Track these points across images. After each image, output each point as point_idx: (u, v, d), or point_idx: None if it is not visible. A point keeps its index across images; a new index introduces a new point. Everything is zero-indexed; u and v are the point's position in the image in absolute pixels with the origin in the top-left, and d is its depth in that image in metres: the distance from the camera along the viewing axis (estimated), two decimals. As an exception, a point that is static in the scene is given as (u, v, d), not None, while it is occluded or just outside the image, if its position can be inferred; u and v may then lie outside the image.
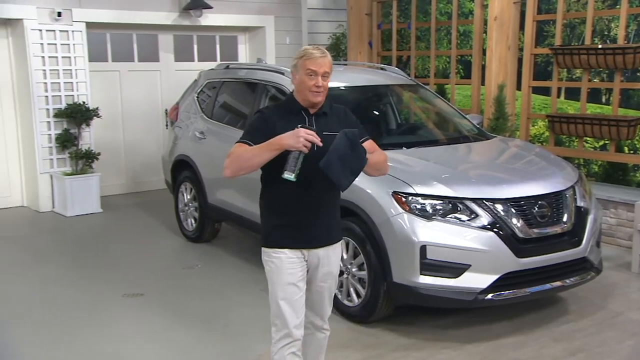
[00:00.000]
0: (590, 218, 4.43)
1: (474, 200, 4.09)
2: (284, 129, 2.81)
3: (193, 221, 6.43)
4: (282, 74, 5.36)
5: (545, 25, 16.37)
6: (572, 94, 16.21)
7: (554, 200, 4.29)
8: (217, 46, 9.54)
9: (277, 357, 3.01)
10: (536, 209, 4.18)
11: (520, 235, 4.09)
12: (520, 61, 7.32)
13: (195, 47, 9.34)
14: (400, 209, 4.08)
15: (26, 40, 7.41)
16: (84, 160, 7.76)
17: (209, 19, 8.85)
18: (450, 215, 4.06)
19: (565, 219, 4.29)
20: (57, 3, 7.58)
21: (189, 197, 6.45)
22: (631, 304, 4.79)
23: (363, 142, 2.95)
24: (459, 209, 4.07)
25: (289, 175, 2.76)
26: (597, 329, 4.38)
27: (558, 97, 7.92)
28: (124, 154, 8.84)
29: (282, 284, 2.97)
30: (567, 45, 6.91)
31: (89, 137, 7.98)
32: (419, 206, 4.07)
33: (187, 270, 5.65)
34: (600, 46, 6.38)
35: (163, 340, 4.26)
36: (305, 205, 2.95)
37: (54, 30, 7.61)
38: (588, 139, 8.30)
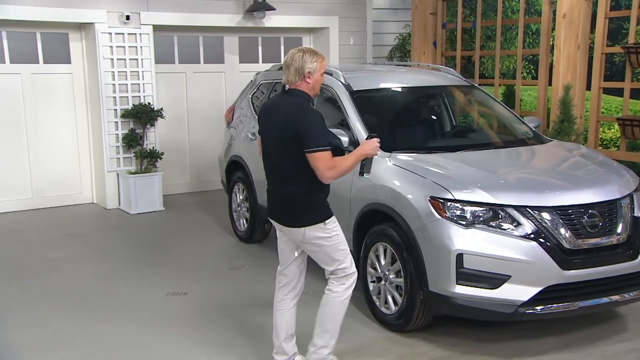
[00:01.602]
0: (648, 230, 4.09)
1: (516, 207, 3.87)
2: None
3: (245, 222, 6.49)
4: (331, 74, 5.29)
5: (625, 23, 15.44)
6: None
7: (607, 209, 4.00)
8: (282, 47, 9.59)
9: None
10: (586, 218, 3.91)
11: (566, 246, 3.83)
12: (591, 61, 6.92)
13: (260, 48, 9.43)
14: (437, 215, 3.92)
15: (97, 43, 7.72)
16: (148, 160, 8.00)
17: (272, 20, 8.92)
18: (490, 223, 3.86)
19: (619, 229, 3.99)
20: (126, 7, 7.85)
21: (241, 197, 6.51)
22: (696, 324, 4.40)
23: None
24: (500, 216, 3.87)
25: (368, 175, 3.61)
26: (655, 349, 4.06)
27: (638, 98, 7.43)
28: (188, 154, 9.05)
29: None
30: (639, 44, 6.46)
31: (154, 137, 8.22)
32: (457, 213, 3.90)
33: (234, 271, 5.69)
34: (677, 44, 5.93)
35: (195, 340, 4.30)
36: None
37: (122, 33, 7.88)
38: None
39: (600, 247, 3.93)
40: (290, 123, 3.45)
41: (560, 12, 6.95)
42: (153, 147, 8.08)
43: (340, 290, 3.61)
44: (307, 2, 9.14)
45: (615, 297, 4.02)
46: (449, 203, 3.93)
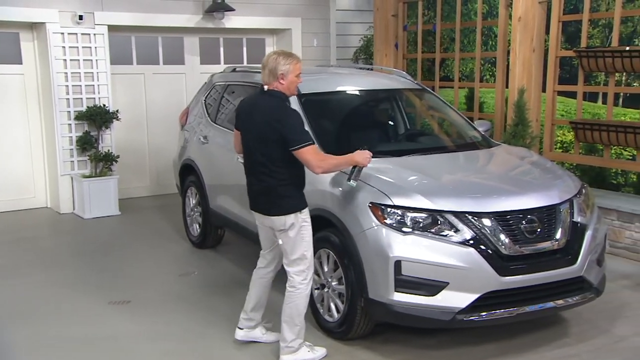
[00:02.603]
0: (588, 234, 4.07)
1: (454, 213, 3.83)
2: None
3: (197, 226, 6.38)
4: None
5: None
6: (632, 101, 15.36)
7: (546, 214, 3.98)
8: (244, 48, 9.50)
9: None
10: (524, 224, 3.88)
11: (504, 252, 3.80)
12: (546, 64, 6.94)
13: (222, 49, 9.32)
14: (376, 222, 3.86)
15: (48, 44, 7.55)
16: (104, 163, 7.85)
17: (233, 21, 8.81)
18: (429, 230, 3.82)
19: (558, 235, 3.97)
20: (79, 6, 7.70)
21: (194, 202, 6.41)
22: (638, 329, 4.41)
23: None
24: (439, 222, 3.83)
25: (354, 183, 3.86)
26: (595, 354, 4.05)
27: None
28: (148, 157, 8.91)
29: None
30: (591, 47, 6.48)
31: (110, 139, 8.07)
32: (396, 219, 3.85)
33: (182, 278, 5.58)
34: (627, 48, 5.95)
35: (131, 352, 4.18)
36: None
37: (75, 34, 7.72)
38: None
39: (538, 253, 3.90)
40: (272, 123, 3.72)
41: (515, 15, 6.96)
42: (109, 150, 7.93)
43: (304, 285, 3.88)
44: (268, 3, 9.05)
45: (556, 303, 3.99)
46: (388, 209, 3.88)
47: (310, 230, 3.89)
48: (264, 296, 4.17)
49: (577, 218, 4.10)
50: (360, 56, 9.74)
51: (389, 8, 8.77)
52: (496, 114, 7.40)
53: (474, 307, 3.77)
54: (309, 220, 3.88)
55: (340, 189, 4.16)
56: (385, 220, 3.85)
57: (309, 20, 9.48)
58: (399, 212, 3.86)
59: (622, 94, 16.34)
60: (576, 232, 4.05)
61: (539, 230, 3.91)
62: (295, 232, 3.82)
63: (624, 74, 6.21)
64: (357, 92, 5.36)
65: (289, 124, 3.69)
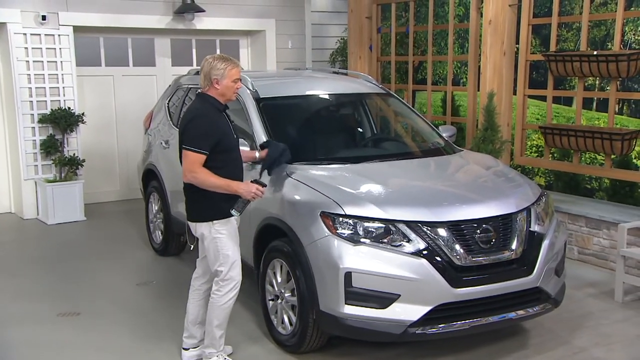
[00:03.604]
0: (545, 244, 3.96)
1: (407, 223, 3.71)
2: (224, 127, 3.72)
3: (160, 233, 6.23)
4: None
5: (560, 29, 15.56)
6: (606, 105, 15.38)
7: (501, 224, 3.86)
8: (217, 50, 9.34)
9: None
10: (479, 233, 3.77)
11: (457, 262, 3.69)
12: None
13: (194, 51, 9.17)
14: (327, 231, 3.74)
15: (10, 45, 7.37)
16: (69, 167, 7.67)
17: (204, 22, 8.67)
18: (381, 240, 3.70)
19: (514, 245, 3.86)
20: (43, 6, 7.53)
21: (156, 208, 6.26)
22: (599, 339, 4.31)
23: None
24: (390, 232, 3.71)
25: (236, 214, 3.63)
26: (552, 367, 3.95)
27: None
28: (117, 160, 8.74)
29: None
30: (560, 51, 6.40)
31: (76, 143, 7.90)
32: (347, 229, 3.73)
33: (140, 287, 5.42)
34: (595, 53, 5.87)
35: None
36: None
37: (39, 34, 7.56)
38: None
39: (493, 264, 3.79)
40: (181, 124, 3.76)
41: (486, 18, 6.87)
42: (74, 154, 7.75)
43: (218, 296, 3.75)
44: (241, 4, 8.91)
45: (517, 313, 3.89)
46: (340, 218, 3.76)
47: (229, 243, 3.71)
48: (201, 310, 3.95)
49: (534, 227, 3.99)
50: (337, 58, 9.62)
51: (363, 10, 8.66)
52: (468, 117, 7.32)
53: (426, 319, 3.65)
54: (226, 232, 3.70)
55: (291, 195, 4.04)
56: (336, 230, 3.73)
57: (284, 21, 9.35)
58: (351, 221, 3.74)
59: (595, 98, 16.35)
60: (533, 241, 3.94)
61: (494, 240, 3.80)
62: (208, 243, 3.71)
63: (598, 78, 6.12)
64: (317, 97, 5.23)
65: (188, 127, 3.63)
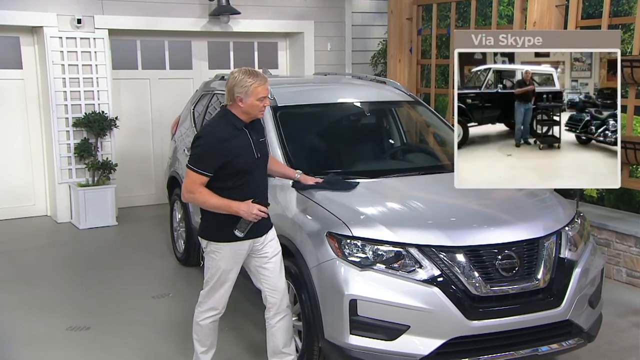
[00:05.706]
0: (577, 272, 3.56)
1: (419, 247, 3.40)
2: (238, 147, 3.41)
3: (182, 243, 6.09)
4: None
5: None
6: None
7: (526, 249, 3.50)
8: (255, 53, 9.18)
9: None
10: (500, 260, 3.42)
11: (474, 292, 3.35)
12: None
13: (232, 53, 9.03)
14: (332, 254, 3.47)
15: (46, 48, 7.40)
16: (102, 171, 7.65)
17: (240, 24, 8.50)
18: (390, 265, 3.39)
19: (540, 273, 3.49)
20: (78, 10, 7.51)
21: (179, 216, 6.12)
22: (641, 378, 3.89)
23: None
24: (401, 257, 3.40)
25: (240, 234, 3.43)
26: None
27: None
28: (153, 164, 8.67)
29: None
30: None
31: (110, 146, 7.87)
32: (354, 252, 3.45)
33: (156, 300, 5.27)
34: (648, 56, 5.37)
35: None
36: None
37: (74, 38, 7.54)
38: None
39: (515, 294, 3.43)
40: (193, 138, 3.61)
41: (530, 19, 6.44)
42: (107, 158, 7.72)
43: (198, 311, 3.70)
44: (278, 5, 8.71)
45: (528, 352, 3.49)
46: (346, 240, 3.48)
47: (220, 266, 3.53)
48: (276, 342, 3.67)
49: (565, 253, 3.59)
50: (379, 61, 9.31)
51: (404, 11, 8.32)
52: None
53: (438, 354, 3.33)
54: (219, 256, 3.53)
55: (298, 213, 3.79)
56: (342, 253, 3.45)
57: (323, 23, 9.10)
58: (358, 243, 3.46)
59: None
60: (563, 269, 3.55)
61: (517, 268, 3.44)
62: (206, 257, 3.63)
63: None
64: (338, 105, 4.95)
65: (195, 144, 3.46)
